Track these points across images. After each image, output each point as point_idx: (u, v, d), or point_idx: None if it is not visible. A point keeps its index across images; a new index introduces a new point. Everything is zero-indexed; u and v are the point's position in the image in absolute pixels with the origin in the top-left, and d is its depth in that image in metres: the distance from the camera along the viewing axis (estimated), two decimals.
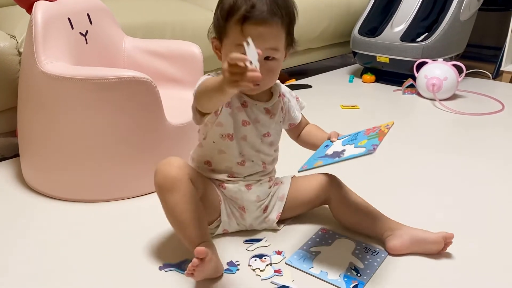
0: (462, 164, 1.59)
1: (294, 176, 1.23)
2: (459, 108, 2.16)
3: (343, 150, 1.00)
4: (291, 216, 1.20)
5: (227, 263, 1.04)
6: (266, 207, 1.15)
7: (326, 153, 1.04)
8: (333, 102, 2.27)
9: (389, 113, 2.14)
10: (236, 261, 1.04)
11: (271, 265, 1.03)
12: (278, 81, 1.15)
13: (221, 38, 1.01)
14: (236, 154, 1.09)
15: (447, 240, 1.05)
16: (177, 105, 1.41)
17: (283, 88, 1.16)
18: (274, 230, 1.17)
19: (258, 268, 1.02)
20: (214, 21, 1.03)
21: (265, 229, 1.17)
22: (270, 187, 1.16)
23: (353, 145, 1.01)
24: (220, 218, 1.12)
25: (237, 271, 1.02)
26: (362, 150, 0.94)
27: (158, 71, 1.58)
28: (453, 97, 2.31)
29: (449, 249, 1.07)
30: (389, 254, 1.07)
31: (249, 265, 1.03)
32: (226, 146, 1.09)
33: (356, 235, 1.13)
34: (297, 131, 1.22)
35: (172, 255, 1.07)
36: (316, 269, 1.02)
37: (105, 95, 1.22)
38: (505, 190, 1.41)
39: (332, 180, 1.16)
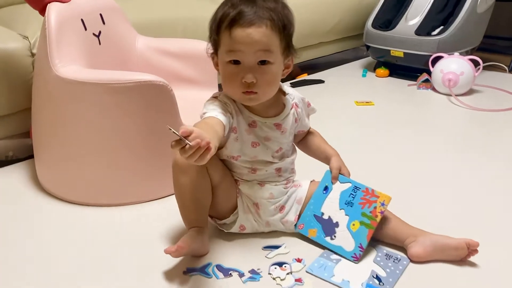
0: (480, 163, 1.56)
1: (313, 180, 1.21)
2: (475, 103, 2.12)
3: (336, 225, 1.10)
4: None
5: (249, 271, 1.02)
6: (283, 207, 1.13)
7: (322, 211, 1.12)
8: (346, 97, 2.24)
9: (404, 110, 2.11)
10: (258, 269, 1.03)
11: (291, 274, 1.02)
12: (291, 89, 1.13)
13: (217, 52, 1.02)
14: (244, 169, 1.10)
15: (471, 248, 1.02)
16: (191, 106, 1.38)
17: (297, 97, 1.14)
18: (293, 235, 1.15)
19: (279, 277, 1.01)
20: (209, 37, 1.03)
21: (284, 234, 1.15)
22: (286, 187, 1.14)
23: (346, 219, 1.09)
24: (237, 211, 1.11)
25: (259, 279, 1.00)
26: (351, 247, 1.06)
27: (171, 71, 1.56)
28: (469, 92, 2.27)
29: (474, 258, 1.04)
30: (412, 261, 1.05)
31: (269, 273, 1.02)
32: (232, 165, 1.10)
33: (377, 242, 1.12)
34: (300, 136, 1.21)
35: (195, 258, 1.06)
36: (337, 278, 1.00)
37: (121, 99, 1.21)
38: None
39: None
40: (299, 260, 1.06)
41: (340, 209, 1.12)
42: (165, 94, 1.22)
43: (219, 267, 1.04)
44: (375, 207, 1.08)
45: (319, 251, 1.09)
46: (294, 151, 1.17)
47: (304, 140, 1.22)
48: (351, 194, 1.12)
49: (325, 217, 1.11)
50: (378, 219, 1.06)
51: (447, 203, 1.31)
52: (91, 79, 1.21)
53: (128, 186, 1.28)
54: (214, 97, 1.04)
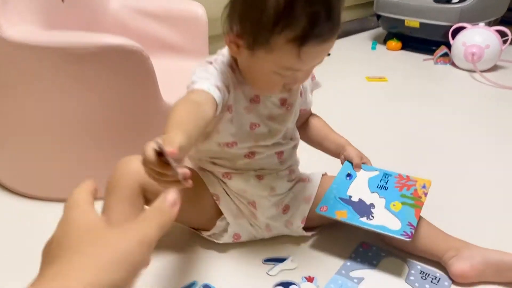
0: (505, 144, 1.32)
1: (325, 174, 0.97)
2: (501, 80, 1.87)
3: (372, 206, 0.87)
4: (321, 224, 0.95)
5: None
6: (287, 207, 0.90)
7: (349, 194, 0.90)
8: (356, 72, 1.99)
9: (422, 87, 1.86)
10: None
11: None
12: None
13: (253, 44, 0.71)
14: (239, 155, 0.85)
15: None
16: (176, 79, 1.11)
17: None
18: (300, 243, 0.91)
19: None
20: (242, 13, 0.71)
21: (290, 241, 0.91)
22: (290, 181, 0.90)
23: (383, 201, 0.88)
24: (222, 220, 0.88)
25: None
26: (397, 226, 0.82)
27: (152, 36, 1.30)
28: (494, 68, 2.02)
29: None
30: (454, 282, 0.82)
31: None
32: (225, 153, 0.85)
33: (407, 255, 0.88)
34: (302, 119, 0.96)
35: (175, 276, 0.82)
36: None
37: (85, 68, 0.94)
38: None
39: None
40: (310, 279, 0.83)
41: (372, 193, 0.90)
42: (139, 63, 0.95)
43: None
44: (415, 190, 0.90)
45: (336, 265, 0.86)
46: (297, 134, 0.93)
47: (307, 124, 0.98)
48: (382, 179, 0.93)
49: (355, 199, 0.89)
50: (423, 200, 0.87)
51: (486, 201, 1.07)
52: (47, 42, 0.94)
53: (100, 174, 1.03)
54: (209, 62, 0.78)
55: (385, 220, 0.84)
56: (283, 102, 0.84)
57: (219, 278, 0.83)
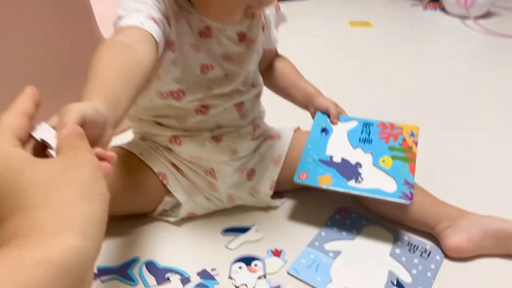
0: (505, 100, 1.18)
1: (298, 128, 0.82)
2: (495, 27, 1.71)
3: (358, 165, 0.73)
4: (292, 188, 0.80)
5: (199, 274, 0.65)
6: (252, 171, 0.75)
7: (329, 154, 0.75)
8: (337, 16, 1.81)
9: (409, 34, 1.69)
10: (213, 270, 0.66)
11: (265, 278, 0.65)
12: None
13: None
14: (190, 111, 0.69)
15: None
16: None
17: None
18: (265, 210, 0.77)
19: (245, 285, 0.63)
20: None
21: (255, 209, 0.77)
22: (255, 139, 0.75)
23: (370, 157, 0.74)
24: (172, 195, 0.72)
25: (214, 287, 0.63)
26: (393, 187, 0.69)
27: None
28: (487, 15, 1.85)
29: None
30: (447, 256, 0.69)
31: (230, 277, 0.65)
32: (172, 109, 0.68)
33: (394, 224, 0.75)
34: (266, 61, 0.79)
35: (111, 254, 0.67)
36: (336, 286, 0.64)
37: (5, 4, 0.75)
38: None
39: None
40: (276, 253, 0.69)
41: (355, 148, 0.76)
42: None
43: (151, 267, 0.66)
44: (403, 139, 0.76)
45: (309, 236, 0.72)
46: (260, 80, 0.76)
47: (272, 68, 0.81)
48: (363, 131, 0.79)
49: (337, 159, 0.74)
50: (415, 150, 0.74)
51: (483, 157, 0.94)
52: None
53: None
54: None
55: (377, 181, 0.70)
56: (242, 38, 0.67)
57: (167, 253, 0.68)
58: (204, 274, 0.65)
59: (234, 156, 0.72)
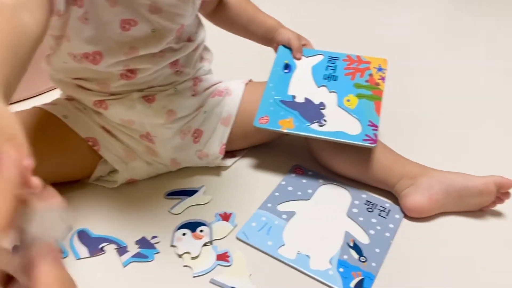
0: (479, 52, 1.14)
1: (249, 81, 0.74)
2: None
3: (321, 105, 0.69)
4: (246, 146, 0.74)
5: (137, 242, 0.59)
6: (198, 133, 0.67)
7: (292, 94, 0.70)
8: None
9: None
10: (153, 238, 0.59)
11: (211, 245, 0.59)
12: None
13: None
14: (112, 75, 0.59)
15: (502, 189, 0.63)
16: None
17: None
18: (215, 170, 0.71)
19: (188, 253, 0.58)
20: None
21: (203, 168, 0.71)
22: (197, 95, 0.67)
23: (334, 97, 0.70)
24: (105, 162, 0.65)
25: (154, 256, 0.57)
26: (357, 129, 0.65)
27: None
28: None
29: (505, 206, 0.65)
30: (406, 216, 0.65)
31: (173, 245, 0.59)
32: (90, 72, 0.58)
33: (353, 182, 0.70)
34: (211, 3, 0.71)
35: None
36: (288, 250, 0.59)
37: None
38: None
39: None
40: (225, 217, 0.63)
41: (320, 87, 0.71)
42: None
43: (83, 237, 0.59)
44: (370, 75, 0.72)
45: (261, 196, 0.66)
46: (201, 28, 0.67)
47: (222, 6, 0.72)
48: (329, 66, 0.74)
49: (299, 100, 0.70)
50: (382, 87, 0.71)
51: (447, 113, 0.89)
52: None
53: None
54: None
55: (341, 123, 0.66)
56: None
57: (102, 221, 0.61)
58: (143, 242, 0.59)
59: (171, 117, 0.64)
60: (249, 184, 0.69)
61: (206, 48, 0.70)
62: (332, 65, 0.74)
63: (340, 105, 0.69)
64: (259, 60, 0.81)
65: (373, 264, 0.58)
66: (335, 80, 0.72)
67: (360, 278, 0.56)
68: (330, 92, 0.70)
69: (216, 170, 0.71)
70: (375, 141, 0.63)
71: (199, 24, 0.66)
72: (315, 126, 0.66)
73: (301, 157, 0.74)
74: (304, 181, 0.70)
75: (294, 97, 0.70)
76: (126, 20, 0.54)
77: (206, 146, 0.68)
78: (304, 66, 0.74)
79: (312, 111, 0.68)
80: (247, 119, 0.68)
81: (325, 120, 0.67)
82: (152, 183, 0.67)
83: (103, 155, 0.63)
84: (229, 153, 0.72)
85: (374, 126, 0.65)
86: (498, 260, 0.60)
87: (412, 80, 0.98)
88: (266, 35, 0.74)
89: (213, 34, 0.74)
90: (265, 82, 0.72)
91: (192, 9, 0.60)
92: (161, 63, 0.60)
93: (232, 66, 0.87)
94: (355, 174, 0.68)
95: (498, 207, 0.65)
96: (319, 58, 0.75)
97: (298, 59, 0.74)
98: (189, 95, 0.66)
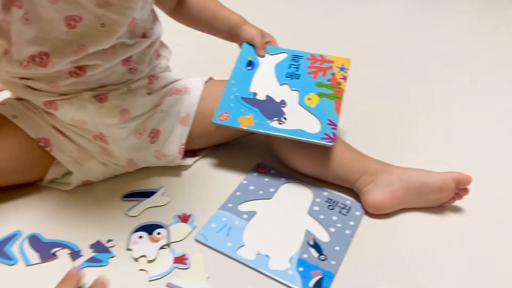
0: (441, 48, 1.15)
1: (210, 79, 0.73)
2: None
3: (282, 103, 0.68)
4: (207, 145, 0.73)
5: (91, 246, 0.57)
6: (155, 133, 0.65)
7: (253, 91, 0.69)
8: None
9: None
10: (109, 241, 0.58)
11: (168, 247, 0.58)
12: None
13: None
14: (61, 73, 0.57)
15: (460, 185, 0.64)
16: None
17: None
18: (174, 170, 0.69)
19: (144, 256, 0.56)
20: None
21: (162, 168, 0.69)
22: (153, 93, 0.65)
23: (296, 95, 0.69)
24: (59, 164, 0.63)
25: (109, 261, 0.55)
26: (316, 128, 0.65)
27: None
28: None
29: (464, 202, 0.66)
30: (367, 212, 0.65)
31: (129, 249, 0.57)
32: (39, 72, 0.55)
33: (314, 180, 0.69)
34: (171, 1, 0.69)
35: None
36: (248, 251, 0.58)
37: None
38: None
39: None
40: (184, 219, 0.62)
41: (282, 85, 0.71)
42: None
43: (34, 242, 0.57)
44: (333, 74, 0.72)
45: (222, 196, 0.65)
46: (157, 24, 0.65)
47: (184, 3, 0.71)
48: (292, 64, 0.73)
49: (261, 97, 0.69)
50: (343, 86, 0.71)
51: (407, 110, 0.90)
52: None
53: None
54: None
55: (301, 121, 0.66)
56: None
57: (55, 225, 0.59)
58: (97, 246, 0.57)
59: (125, 117, 0.61)
60: (210, 184, 0.68)
61: (163, 45, 0.68)
62: (295, 63, 0.73)
63: (301, 103, 0.68)
64: (222, 57, 0.80)
65: (333, 262, 0.57)
66: (297, 78, 0.71)
67: (319, 277, 0.55)
68: (292, 90, 0.70)
69: (176, 170, 0.69)
70: (333, 139, 0.63)
71: (155, 19, 0.65)
72: (275, 124, 0.65)
73: (264, 156, 0.73)
74: (266, 180, 0.69)
75: (255, 94, 0.69)
76: (71, 17, 0.52)
77: (164, 146, 0.66)
78: (267, 64, 0.73)
79: (272, 108, 0.67)
80: (206, 118, 0.67)
81: (285, 118, 0.66)
82: (108, 185, 0.66)
83: (56, 156, 0.61)
84: (190, 152, 0.71)
85: (333, 125, 0.65)
86: (458, 255, 0.60)
87: (374, 78, 0.98)
88: (231, 32, 0.73)
89: (173, 30, 0.73)
90: (226, 80, 0.71)
91: (143, 1, 0.58)
92: (112, 60, 0.58)
93: (193, 63, 0.86)
94: (316, 172, 0.68)
95: (457, 203, 0.66)
96: (283, 56, 0.74)
97: (262, 56, 0.73)
98: (144, 93, 0.64)
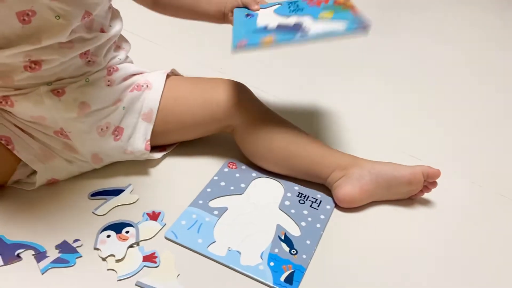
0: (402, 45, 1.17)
1: (173, 72, 0.72)
2: None
3: (298, 25, 0.61)
4: (173, 141, 0.72)
5: (57, 247, 0.55)
6: (119, 130, 0.64)
7: (263, 24, 0.63)
8: None
9: None
10: (75, 241, 0.56)
11: (137, 246, 0.57)
12: None
13: None
14: (15, 67, 0.55)
15: (429, 179, 0.65)
16: None
17: None
18: (143, 167, 0.68)
19: (112, 255, 0.55)
20: None
21: (131, 164, 0.67)
22: (113, 85, 0.63)
23: (309, 17, 0.62)
24: (25, 165, 0.61)
25: (76, 261, 0.54)
26: (342, 26, 0.58)
27: None
28: None
29: (432, 194, 0.67)
30: (337, 205, 0.66)
31: (96, 249, 0.56)
32: None
33: (285, 178, 0.69)
34: None
35: None
36: (219, 247, 0.58)
37: None
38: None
39: (240, 92, 0.67)
40: (154, 216, 0.61)
41: (290, 15, 0.65)
42: None
43: None
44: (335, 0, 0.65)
45: (192, 193, 0.64)
46: (116, 21, 0.63)
47: None
48: (290, 7, 0.67)
49: (273, 26, 0.63)
50: (351, 3, 0.64)
51: (375, 103, 0.91)
52: None
53: None
54: None
55: (325, 26, 0.60)
56: None
57: (19, 226, 0.57)
58: (64, 246, 0.55)
59: (84, 110, 0.60)
60: (180, 181, 0.67)
61: (123, 39, 0.67)
62: (293, 5, 0.68)
63: (315, 18, 0.62)
64: (192, 52, 0.79)
65: (304, 256, 0.57)
66: (301, 10, 0.66)
67: (290, 271, 0.55)
68: (303, 16, 0.64)
69: (144, 167, 0.68)
70: (367, 25, 0.58)
71: (116, 17, 0.63)
72: (298, 36, 0.60)
73: (235, 152, 0.72)
74: (237, 175, 0.69)
75: (266, 26, 0.63)
76: (23, 12, 0.50)
77: (129, 144, 0.65)
78: (266, 12, 0.68)
79: (290, 29, 0.62)
80: (171, 113, 0.66)
81: (307, 30, 0.60)
82: (75, 183, 0.64)
83: (19, 155, 0.59)
84: (159, 147, 0.70)
85: (361, 18, 0.59)
86: (427, 247, 0.61)
87: (340, 74, 0.99)
88: (219, 9, 0.69)
89: (139, 23, 0.71)
90: (190, 77, 0.69)
91: None
92: (69, 54, 0.56)
93: (158, 56, 0.84)
94: (287, 171, 0.68)
95: (426, 195, 0.67)
96: (278, 5, 0.69)
97: (256, 10, 0.68)
98: (103, 85, 0.62)
